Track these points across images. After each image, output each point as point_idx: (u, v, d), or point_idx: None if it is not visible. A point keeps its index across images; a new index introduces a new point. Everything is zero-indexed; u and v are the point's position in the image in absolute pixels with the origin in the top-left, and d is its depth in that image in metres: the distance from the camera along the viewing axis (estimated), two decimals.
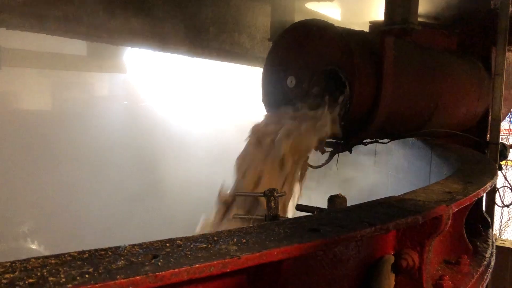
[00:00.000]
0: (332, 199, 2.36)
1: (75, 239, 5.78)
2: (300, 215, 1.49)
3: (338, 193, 2.46)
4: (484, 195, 2.46)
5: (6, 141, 6.32)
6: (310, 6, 4.67)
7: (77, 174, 6.87)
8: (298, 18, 3.59)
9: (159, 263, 0.95)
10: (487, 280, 2.03)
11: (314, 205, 2.66)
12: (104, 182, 7.09)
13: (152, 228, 7.01)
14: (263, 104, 3.55)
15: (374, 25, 3.55)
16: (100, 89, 8.14)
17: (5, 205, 5.86)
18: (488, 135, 4.01)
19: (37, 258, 0.96)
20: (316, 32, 3.19)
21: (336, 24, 3.22)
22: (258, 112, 3.56)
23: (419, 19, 3.07)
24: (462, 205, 1.68)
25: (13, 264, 0.92)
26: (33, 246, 5.44)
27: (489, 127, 4.01)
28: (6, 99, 6.81)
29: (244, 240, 1.11)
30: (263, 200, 2.75)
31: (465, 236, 2.19)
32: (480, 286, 1.93)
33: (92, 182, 6.94)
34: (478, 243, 2.31)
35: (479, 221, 2.56)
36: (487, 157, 3.71)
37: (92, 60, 7.31)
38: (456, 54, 4.12)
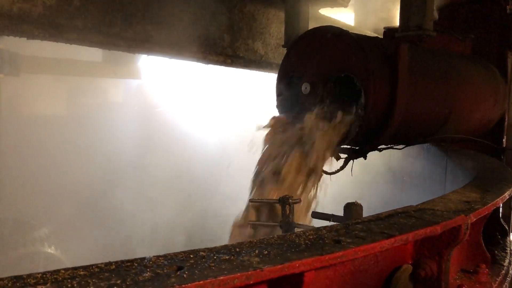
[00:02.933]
0: (348, 207, 2.37)
1: (91, 243, 5.85)
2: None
3: (354, 201, 2.47)
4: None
5: (23, 145, 6.43)
6: (324, 12, 4.69)
7: (92, 179, 6.95)
8: (312, 24, 3.60)
9: (184, 275, 0.97)
10: None
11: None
12: (119, 187, 7.17)
13: (167, 235, 7.07)
14: (277, 110, 3.56)
15: (388, 31, 3.55)
16: (114, 95, 8.23)
17: (22, 210, 5.96)
18: (504, 141, 3.97)
19: (66, 270, 0.99)
20: (331, 38, 3.20)
21: (350, 30, 3.23)
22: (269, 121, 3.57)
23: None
24: (481, 215, 1.68)
25: (44, 276, 0.95)
26: (50, 251, 5.51)
27: (505, 132, 3.98)
28: (23, 104, 6.92)
29: (266, 252, 1.13)
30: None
31: (483, 244, 2.17)
32: None
33: (107, 187, 7.02)
34: (496, 251, 2.30)
35: (496, 229, 2.54)
36: (503, 163, 3.67)
37: (107, 66, 7.40)
38: (471, 59, 4.09)
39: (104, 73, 7.47)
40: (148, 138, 7.73)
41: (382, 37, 3.69)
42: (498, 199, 1.85)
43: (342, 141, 3.13)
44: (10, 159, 6.12)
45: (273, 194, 2.97)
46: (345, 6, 4.61)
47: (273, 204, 2.85)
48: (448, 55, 3.77)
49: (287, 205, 2.83)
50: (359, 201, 2.55)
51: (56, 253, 5.52)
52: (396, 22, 3.14)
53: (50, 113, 7.34)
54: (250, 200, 3.11)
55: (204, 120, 8.37)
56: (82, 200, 6.72)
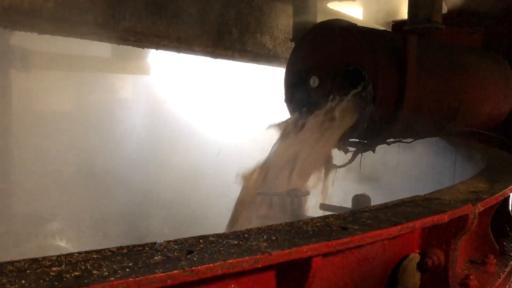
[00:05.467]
0: (357, 199, 2.38)
1: (102, 237, 5.92)
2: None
3: (362, 193, 2.48)
4: (511, 194, 2.44)
5: (34, 140, 6.51)
6: (332, 6, 4.68)
7: (102, 173, 7.02)
8: (320, 18, 3.60)
9: (195, 258, 0.99)
10: None
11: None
12: (128, 182, 7.23)
13: (176, 228, 7.13)
14: (285, 104, 3.57)
15: (397, 24, 3.55)
16: (124, 91, 8.29)
17: (33, 204, 6.04)
18: None
19: (79, 253, 1.02)
20: (339, 32, 3.20)
21: (358, 24, 3.23)
22: (280, 113, 3.59)
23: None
24: (489, 205, 1.69)
25: (59, 258, 0.98)
26: (62, 244, 5.59)
27: None
28: (34, 100, 7.00)
29: (274, 238, 1.15)
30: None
31: (491, 236, 2.17)
32: (507, 286, 1.92)
33: (117, 181, 7.09)
34: (504, 243, 2.29)
35: (505, 221, 2.53)
36: None
37: (116, 62, 7.46)
38: (481, 52, 4.07)
39: (113, 69, 7.53)
40: (156, 132, 7.78)
41: (390, 30, 3.68)
42: (507, 189, 1.85)
43: (351, 134, 3.14)
44: (22, 154, 6.20)
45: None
46: (354, 0, 4.61)
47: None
48: (457, 48, 3.75)
49: (295, 198, 2.86)
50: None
51: (67, 246, 5.60)
52: (405, 16, 3.13)
53: (61, 108, 7.42)
54: (258, 193, 3.14)
55: (212, 114, 8.39)
56: (92, 195, 6.79)
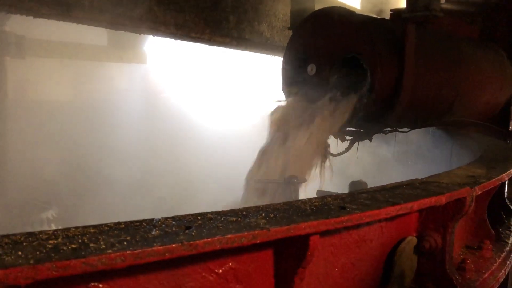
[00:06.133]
0: (354, 184, 2.38)
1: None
2: None
3: (359, 179, 2.48)
4: (507, 182, 2.45)
5: (28, 130, 6.47)
6: None
7: (98, 164, 6.99)
8: (318, 6, 3.58)
9: (193, 233, 0.99)
10: (510, 266, 2.03)
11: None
12: (124, 172, 7.20)
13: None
14: (282, 93, 3.56)
15: (395, 13, 3.53)
16: (120, 80, 8.23)
17: (29, 192, 6.02)
18: (511, 124, 3.96)
19: (76, 227, 1.01)
20: (337, 19, 3.18)
21: (356, 12, 3.21)
22: (275, 102, 3.57)
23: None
24: (486, 189, 1.69)
25: (55, 232, 0.98)
26: None
27: (511, 116, 3.96)
28: (30, 88, 6.95)
29: (272, 215, 1.14)
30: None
31: (488, 222, 2.18)
32: (503, 271, 1.93)
33: (113, 172, 7.06)
34: (500, 229, 2.31)
35: (501, 208, 2.55)
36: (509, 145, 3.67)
37: (112, 51, 7.40)
38: (479, 42, 4.06)
39: (110, 57, 7.47)
40: (152, 122, 7.75)
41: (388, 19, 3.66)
42: (504, 174, 1.86)
43: (348, 122, 3.13)
44: (17, 143, 6.16)
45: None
46: None
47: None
48: (455, 37, 3.74)
49: (292, 185, 2.86)
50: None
51: None
52: (402, 5, 3.12)
53: (56, 97, 7.37)
54: (255, 181, 3.13)
55: (209, 104, 8.36)
56: (86, 184, 6.77)
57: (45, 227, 5.40)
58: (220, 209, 1.20)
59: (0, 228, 5.08)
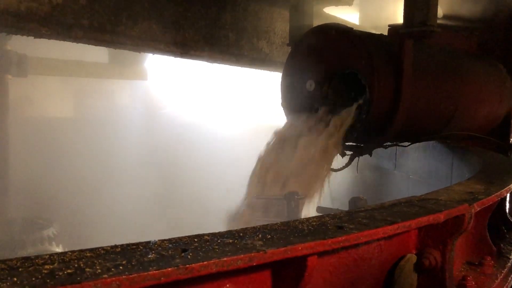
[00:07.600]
0: (354, 201, 2.37)
1: (98, 243, 5.87)
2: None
3: (359, 195, 2.48)
4: (508, 196, 2.44)
5: (31, 146, 6.50)
6: (328, 10, 4.70)
7: (100, 181, 7.00)
8: (316, 22, 3.62)
9: (189, 256, 0.99)
10: None
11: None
12: (126, 188, 7.21)
13: (172, 233, 7.08)
14: (282, 108, 3.58)
15: (393, 29, 3.55)
16: (121, 96, 8.28)
17: (30, 210, 6.02)
18: (511, 138, 3.96)
19: (73, 251, 1.01)
20: (336, 35, 3.21)
21: (354, 29, 3.24)
22: (276, 117, 3.59)
23: (438, 21, 3.07)
24: (485, 205, 1.68)
25: (52, 257, 0.97)
26: (58, 250, 5.56)
27: (511, 129, 3.96)
28: (32, 106, 7.00)
29: (269, 236, 1.14)
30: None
31: (488, 237, 2.17)
32: (505, 287, 1.92)
33: (114, 188, 7.06)
34: (501, 245, 2.29)
35: (502, 223, 2.53)
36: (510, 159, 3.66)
37: (113, 67, 7.46)
38: (477, 55, 4.08)
39: (110, 74, 7.53)
40: (153, 138, 7.77)
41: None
42: (503, 190, 1.85)
43: (347, 137, 3.14)
44: (19, 160, 6.18)
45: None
46: (350, 5, 4.63)
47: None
48: (453, 52, 3.77)
49: (293, 201, 2.85)
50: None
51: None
52: (401, 21, 3.15)
53: (58, 114, 7.42)
54: (255, 197, 3.13)
55: (209, 119, 8.39)
56: (88, 200, 6.77)
57: (46, 245, 5.39)
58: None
59: (1, 247, 5.08)
